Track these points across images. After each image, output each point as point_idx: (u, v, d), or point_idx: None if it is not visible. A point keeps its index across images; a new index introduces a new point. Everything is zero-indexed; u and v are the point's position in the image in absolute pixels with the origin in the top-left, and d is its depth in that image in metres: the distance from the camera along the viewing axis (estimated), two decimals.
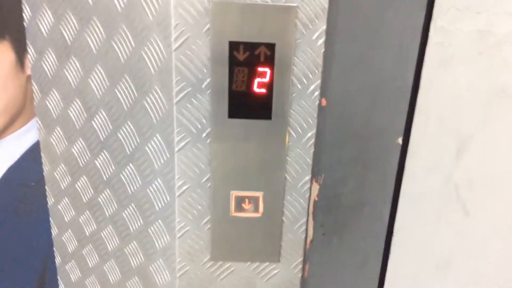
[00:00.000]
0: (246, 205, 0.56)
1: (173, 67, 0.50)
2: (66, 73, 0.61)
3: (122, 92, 0.56)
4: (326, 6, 0.48)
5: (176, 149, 0.54)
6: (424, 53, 0.50)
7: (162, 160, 0.55)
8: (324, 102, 0.52)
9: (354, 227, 0.57)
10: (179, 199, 0.56)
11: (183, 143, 0.53)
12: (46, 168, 0.71)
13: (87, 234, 0.70)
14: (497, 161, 0.53)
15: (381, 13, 0.48)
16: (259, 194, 0.56)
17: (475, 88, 0.51)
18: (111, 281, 0.70)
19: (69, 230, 0.73)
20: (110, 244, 0.68)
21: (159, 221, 0.59)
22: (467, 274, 0.58)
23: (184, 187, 0.55)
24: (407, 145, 0.54)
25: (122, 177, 0.61)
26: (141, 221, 0.62)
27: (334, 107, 0.52)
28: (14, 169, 0.90)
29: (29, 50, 0.64)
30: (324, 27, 0.49)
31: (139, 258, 0.64)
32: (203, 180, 0.55)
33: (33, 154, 0.89)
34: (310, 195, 0.56)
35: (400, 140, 0.53)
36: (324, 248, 0.58)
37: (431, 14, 0.48)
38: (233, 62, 0.49)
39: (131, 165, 0.59)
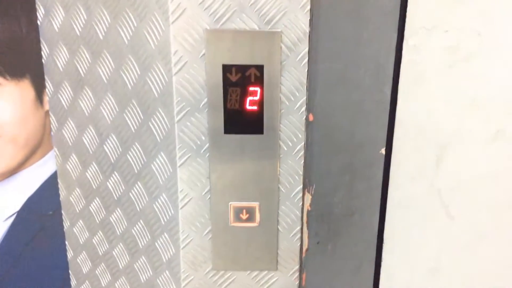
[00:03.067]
0: (243, 215, 0.61)
1: (173, 89, 0.56)
2: (81, 103, 0.67)
3: (130, 116, 0.62)
4: (307, 30, 0.54)
5: (178, 164, 0.59)
6: (400, 69, 0.55)
7: (166, 176, 0.61)
8: (311, 117, 0.57)
9: (346, 235, 0.61)
10: (182, 212, 0.61)
11: (184, 159, 0.59)
12: (62, 193, 0.76)
13: (100, 254, 0.75)
14: (473, 167, 0.57)
15: (358, 35, 0.54)
16: (255, 204, 0.60)
17: (448, 99, 0.56)
18: None
19: (84, 252, 0.77)
20: (121, 262, 0.72)
21: (165, 234, 0.64)
22: (457, 277, 0.61)
23: (186, 200, 0.60)
24: (390, 155, 0.58)
25: (131, 196, 0.66)
26: (149, 236, 0.66)
27: (321, 122, 0.57)
28: (33, 199, 0.95)
29: (47, 84, 0.70)
30: (307, 49, 0.54)
31: (148, 273, 0.69)
32: (204, 193, 0.60)
33: (50, 185, 0.95)
34: (303, 205, 0.61)
35: (383, 151, 0.58)
36: (319, 256, 0.62)
37: (403, 35, 0.54)
38: (226, 83, 0.55)
39: (139, 183, 0.65)
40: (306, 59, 0.55)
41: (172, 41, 0.54)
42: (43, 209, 0.96)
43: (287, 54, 0.55)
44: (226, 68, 0.55)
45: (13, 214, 0.96)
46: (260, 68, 0.55)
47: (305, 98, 0.56)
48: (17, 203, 0.95)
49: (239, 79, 0.55)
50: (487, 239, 0.60)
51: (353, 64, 0.55)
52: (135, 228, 0.68)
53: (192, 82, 0.56)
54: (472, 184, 0.58)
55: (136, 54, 0.58)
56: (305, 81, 0.55)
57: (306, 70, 0.55)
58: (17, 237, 0.97)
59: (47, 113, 0.92)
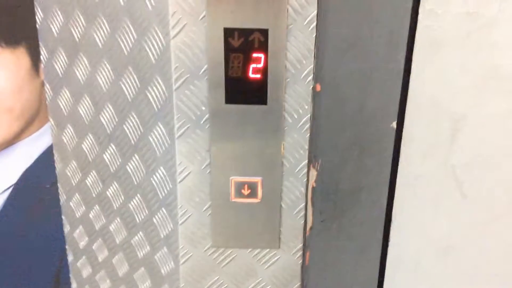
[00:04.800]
0: (245, 191, 0.57)
1: (171, 54, 0.52)
2: (76, 70, 0.64)
3: (126, 84, 0.58)
4: None
5: (176, 136, 0.56)
6: (414, 36, 0.51)
7: (164, 148, 0.57)
8: (318, 87, 0.54)
9: (352, 213, 0.58)
10: (180, 186, 0.58)
11: (183, 130, 0.55)
12: (58, 166, 0.74)
13: (97, 228, 0.72)
14: (491, 143, 0.54)
15: None
16: (258, 179, 0.57)
17: (466, 69, 0.52)
18: (120, 274, 0.72)
19: (80, 226, 0.75)
20: (118, 237, 0.69)
21: (163, 209, 0.61)
22: (467, 258, 0.58)
23: (185, 174, 0.57)
24: (401, 129, 0.55)
25: (128, 169, 0.63)
26: (146, 211, 0.63)
27: (328, 92, 0.53)
28: (30, 172, 0.93)
29: (41, 51, 0.67)
30: (315, 12, 0.50)
31: (145, 249, 0.66)
32: (203, 166, 0.57)
33: (48, 157, 0.92)
34: (308, 181, 0.57)
35: (394, 124, 0.54)
36: (324, 235, 0.59)
37: None
38: (228, 49, 0.52)
39: (136, 155, 0.61)
40: (314, 23, 0.51)
41: (170, 2, 0.51)
42: (40, 181, 0.93)
43: (293, 17, 0.51)
44: (228, 32, 0.51)
45: (10, 187, 0.94)
46: (264, 32, 0.51)
47: (312, 66, 0.52)
48: (14, 176, 0.93)
49: (241, 44, 0.51)
50: (502, 219, 0.56)
51: (364, 30, 0.51)
52: (132, 203, 0.65)
53: (191, 46, 0.52)
54: (488, 161, 0.55)
55: (132, 16, 0.55)
56: (312, 47, 0.52)
57: (314, 35, 0.51)
58: (14, 210, 0.95)
59: (43, 83, 0.89)
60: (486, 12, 0.50)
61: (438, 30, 0.51)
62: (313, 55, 0.52)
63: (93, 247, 0.74)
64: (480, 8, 0.50)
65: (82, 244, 0.76)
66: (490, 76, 0.52)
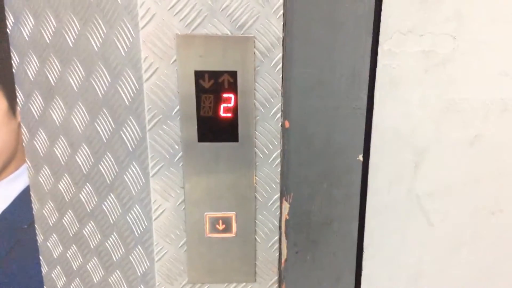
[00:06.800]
0: (219, 226, 0.59)
1: (144, 96, 0.54)
2: (52, 112, 0.65)
3: (101, 125, 0.60)
4: (281, 35, 0.53)
5: (151, 174, 0.57)
6: (375, 74, 0.54)
7: (138, 186, 0.59)
8: (287, 124, 0.56)
9: (325, 244, 0.60)
10: (156, 223, 0.59)
11: (157, 168, 0.57)
12: (35, 206, 0.74)
13: (74, 268, 0.72)
14: (452, 172, 0.57)
15: (332, 39, 0.53)
16: (232, 214, 0.59)
17: (425, 103, 0.55)
18: None
19: (58, 266, 0.75)
20: (96, 276, 0.70)
21: (139, 247, 0.62)
22: (437, 284, 0.60)
23: (160, 211, 0.59)
24: (367, 161, 0.57)
25: (104, 208, 0.64)
26: (122, 249, 0.64)
27: (297, 128, 0.56)
28: (8, 213, 0.93)
29: (17, 94, 0.68)
30: (281, 54, 0.53)
31: (123, 287, 0.66)
32: (178, 203, 0.58)
33: (25, 197, 0.92)
34: (281, 214, 0.59)
35: (360, 157, 0.57)
36: (299, 266, 0.61)
37: (378, 39, 0.53)
38: (199, 90, 0.54)
39: (111, 194, 0.63)
40: (281, 65, 0.54)
41: (142, 47, 0.53)
42: (18, 222, 0.93)
43: (261, 59, 0.53)
44: (199, 74, 0.53)
45: None
46: (233, 74, 0.53)
47: (280, 104, 0.55)
48: None
49: (212, 86, 0.54)
50: (467, 245, 0.59)
51: (328, 69, 0.54)
52: (108, 241, 0.65)
53: (163, 89, 0.54)
54: (450, 190, 0.57)
55: (106, 61, 0.57)
56: (280, 87, 0.54)
57: (281, 76, 0.54)
58: None
59: (20, 124, 0.89)
60: (441, 50, 0.53)
61: (396, 68, 0.54)
62: (280, 94, 0.55)
63: (71, 287, 0.74)
64: (435, 47, 0.53)
65: (60, 284, 0.76)
66: (447, 109, 0.55)
